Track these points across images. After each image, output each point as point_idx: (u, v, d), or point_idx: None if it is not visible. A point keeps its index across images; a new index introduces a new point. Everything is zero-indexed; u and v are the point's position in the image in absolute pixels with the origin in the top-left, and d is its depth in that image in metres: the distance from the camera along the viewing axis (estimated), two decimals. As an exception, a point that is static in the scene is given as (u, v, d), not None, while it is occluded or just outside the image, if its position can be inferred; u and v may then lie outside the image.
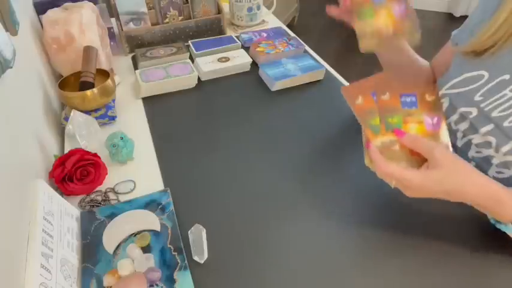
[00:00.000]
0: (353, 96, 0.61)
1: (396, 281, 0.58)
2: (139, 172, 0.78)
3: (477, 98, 0.64)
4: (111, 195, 0.73)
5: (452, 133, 0.69)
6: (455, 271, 0.58)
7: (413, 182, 0.53)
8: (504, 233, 0.58)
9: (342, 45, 2.99)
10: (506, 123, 0.60)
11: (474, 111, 0.65)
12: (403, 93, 0.60)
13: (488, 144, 0.64)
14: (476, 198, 0.54)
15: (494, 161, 0.64)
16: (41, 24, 1.00)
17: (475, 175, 0.54)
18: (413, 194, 0.55)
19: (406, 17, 0.63)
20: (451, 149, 0.57)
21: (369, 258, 0.61)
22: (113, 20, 1.22)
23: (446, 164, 0.52)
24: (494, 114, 0.62)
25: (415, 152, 0.56)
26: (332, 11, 0.70)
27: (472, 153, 0.68)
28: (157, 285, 0.57)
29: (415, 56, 0.82)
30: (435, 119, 0.58)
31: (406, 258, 0.61)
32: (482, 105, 0.64)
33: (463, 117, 0.68)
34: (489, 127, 0.63)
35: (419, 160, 0.56)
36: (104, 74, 0.93)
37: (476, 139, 0.66)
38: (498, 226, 0.59)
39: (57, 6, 0.96)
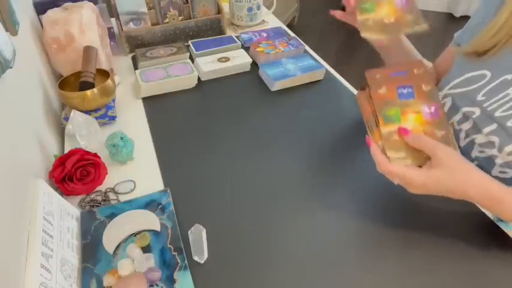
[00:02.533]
0: (377, 84, 0.60)
1: (398, 277, 0.58)
2: (139, 172, 0.78)
3: (480, 97, 0.64)
4: (111, 195, 0.73)
5: (455, 133, 0.69)
6: (456, 268, 0.58)
7: (416, 181, 0.54)
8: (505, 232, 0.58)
9: (342, 45, 2.98)
10: (509, 123, 0.60)
11: (477, 111, 0.65)
12: (400, 86, 0.59)
13: (491, 144, 0.64)
14: (477, 197, 0.55)
15: (498, 161, 0.64)
16: (41, 24, 1.00)
17: (476, 175, 0.54)
18: (416, 191, 0.56)
19: (408, 9, 0.65)
20: (452, 140, 0.57)
21: (371, 256, 0.61)
22: (113, 20, 1.22)
23: (449, 164, 0.53)
24: (497, 114, 0.62)
25: (416, 149, 0.56)
26: (336, 14, 0.71)
27: (475, 153, 0.68)
28: (157, 285, 0.57)
29: (418, 57, 0.82)
30: (433, 108, 0.58)
31: (408, 254, 0.61)
32: (485, 105, 0.64)
33: (466, 117, 0.68)
34: (492, 127, 0.63)
35: (421, 157, 0.56)
36: (104, 74, 0.93)
37: (479, 139, 0.66)
38: (499, 223, 0.59)
39: (57, 6, 0.96)
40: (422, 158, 0.56)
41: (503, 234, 0.62)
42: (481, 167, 0.58)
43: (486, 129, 0.64)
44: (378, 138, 0.58)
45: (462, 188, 0.54)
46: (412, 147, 0.56)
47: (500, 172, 0.65)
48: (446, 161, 0.53)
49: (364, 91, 0.63)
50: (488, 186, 0.54)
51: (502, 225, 0.59)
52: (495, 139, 0.63)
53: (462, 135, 0.69)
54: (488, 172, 0.63)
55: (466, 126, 0.68)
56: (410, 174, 0.54)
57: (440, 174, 0.53)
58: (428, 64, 0.85)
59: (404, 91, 0.59)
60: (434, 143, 0.54)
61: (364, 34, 0.65)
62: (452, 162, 0.53)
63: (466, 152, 0.69)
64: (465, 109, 0.67)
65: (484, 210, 0.66)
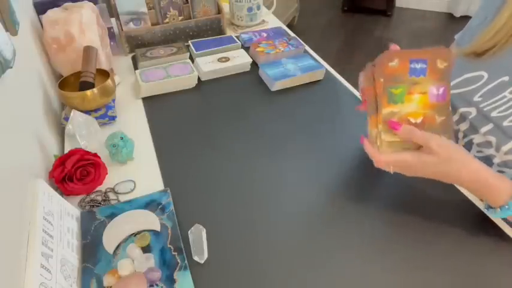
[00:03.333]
0: (390, 56, 0.54)
1: (396, 274, 0.58)
2: (139, 172, 0.78)
3: (476, 98, 0.65)
4: (111, 195, 0.73)
5: (454, 133, 0.69)
6: (455, 265, 0.58)
7: (409, 162, 0.55)
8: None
9: (342, 45, 2.99)
10: (505, 123, 0.60)
11: (473, 112, 0.65)
12: (413, 59, 0.54)
13: (488, 144, 0.64)
14: (468, 183, 0.56)
15: (496, 160, 0.64)
16: (41, 24, 1.00)
17: (470, 161, 0.55)
18: (412, 173, 0.57)
19: (442, 105, 0.55)
20: (451, 126, 0.56)
21: (371, 254, 0.61)
22: (113, 20, 1.22)
23: (440, 154, 0.53)
24: (494, 114, 0.62)
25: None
26: (361, 108, 0.63)
27: (473, 152, 0.68)
28: (157, 285, 0.57)
29: None
30: (441, 89, 0.55)
31: (406, 251, 0.61)
32: (481, 105, 0.64)
33: (463, 117, 0.68)
34: (489, 127, 0.63)
35: (414, 145, 0.56)
36: (104, 74, 0.93)
37: (477, 139, 0.66)
38: (488, 213, 0.60)
39: (57, 6, 0.96)
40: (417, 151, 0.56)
41: (499, 229, 0.63)
42: None
43: (483, 129, 0.64)
44: (374, 125, 0.58)
45: (454, 174, 0.55)
46: (406, 143, 0.56)
47: (498, 171, 0.65)
48: (438, 151, 0.53)
49: (369, 71, 0.59)
50: (482, 171, 0.55)
51: (489, 214, 0.59)
52: (492, 139, 0.63)
53: (460, 135, 0.70)
54: None
55: (463, 126, 0.68)
56: (402, 157, 0.55)
57: (433, 160, 0.54)
58: None
59: (417, 66, 0.55)
60: (427, 135, 0.54)
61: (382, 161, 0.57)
62: (444, 152, 0.53)
63: None
64: (462, 109, 0.67)
65: (477, 202, 0.67)
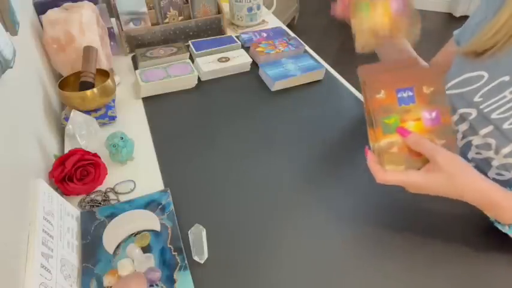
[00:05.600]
0: (376, 88, 0.55)
1: (397, 280, 0.58)
2: (139, 172, 0.78)
3: (477, 99, 0.64)
4: (111, 195, 0.73)
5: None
6: (457, 270, 0.58)
7: (414, 184, 0.54)
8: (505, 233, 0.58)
9: (342, 45, 2.98)
10: (506, 125, 0.60)
11: (474, 113, 0.65)
12: (399, 88, 0.55)
13: (488, 146, 0.64)
14: (475, 201, 0.54)
15: (494, 163, 0.64)
16: (41, 24, 1.00)
17: (474, 181, 0.53)
18: (415, 191, 0.55)
19: (404, 13, 0.62)
20: (455, 148, 0.55)
21: (370, 257, 0.61)
22: (113, 20, 1.22)
23: (447, 170, 0.52)
24: (494, 116, 0.62)
25: (414, 152, 0.55)
26: (336, 10, 0.69)
27: (472, 154, 0.68)
28: (157, 285, 0.57)
29: (416, 57, 0.82)
30: (433, 114, 0.55)
31: (408, 256, 0.61)
32: (481, 106, 0.63)
33: (462, 118, 0.67)
34: (489, 129, 0.63)
35: (419, 161, 0.55)
36: (104, 74, 0.93)
37: (476, 140, 0.66)
38: (497, 225, 0.59)
39: (57, 6, 0.96)
40: (423, 170, 0.55)
41: (504, 234, 0.62)
42: (477, 168, 0.58)
43: (482, 131, 0.64)
44: (374, 138, 0.57)
45: (461, 193, 0.53)
46: (412, 159, 0.55)
47: (496, 174, 0.65)
48: (444, 167, 0.52)
49: (373, 76, 0.58)
50: (487, 191, 0.53)
51: (499, 227, 0.59)
52: (491, 141, 0.63)
53: (459, 136, 0.69)
54: (485, 174, 0.63)
55: (463, 127, 0.68)
56: (408, 179, 0.54)
57: (438, 178, 0.52)
58: (425, 65, 0.85)
59: (405, 95, 0.56)
60: (434, 146, 0.53)
61: (360, 47, 0.63)
62: (451, 168, 0.52)
63: (462, 153, 0.69)
64: (462, 110, 0.67)
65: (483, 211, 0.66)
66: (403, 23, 0.62)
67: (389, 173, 0.55)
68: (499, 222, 0.58)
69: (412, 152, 0.55)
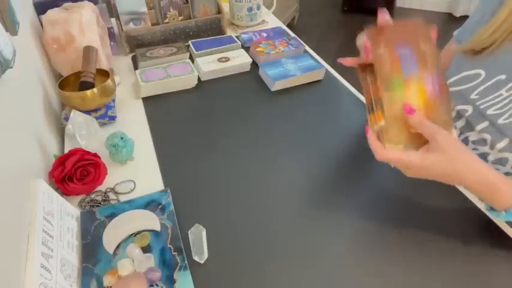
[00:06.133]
0: (377, 41, 0.53)
1: (397, 279, 0.58)
2: (139, 172, 0.78)
3: (473, 96, 0.65)
4: (111, 195, 0.73)
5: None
6: (457, 269, 0.58)
7: (412, 163, 0.53)
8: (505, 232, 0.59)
9: (342, 45, 2.98)
10: (500, 121, 0.61)
11: (470, 109, 0.66)
12: (399, 45, 0.53)
13: (483, 141, 0.64)
14: (473, 184, 0.54)
15: (490, 158, 0.65)
16: (41, 24, 1.00)
17: (474, 162, 0.54)
18: (413, 174, 0.55)
19: (440, 95, 0.55)
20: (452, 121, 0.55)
21: (371, 257, 0.61)
22: (113, 20, 1.22)
23: (447, 151, 0.52)
24: (490, 112, 0.62)
25: (415, 133, 0.54)
26: (347, 62, 0.60)
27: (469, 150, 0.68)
28: (157, 285, 0.57)
29: None
30: (436, 85, 0.54)
31: (407, 256, 0.61)
32: (477, 103, 0.64)
33: (459, 115, 0.68)
34: (484, 124, 0.63)
35: (419, 141, 0.54)
36: (104, 74, 0.93)
37: (472, 136, 0.67)
38: (491, 213, 0.58)
39: (57, 6, 0.96)
40: (421, 146, 0.54)
41: (504, 233, 0.62)
42: None
43: (478, 127, 0.64)
44: (374, 123, 0.56)
45: (459, 174, 0.53)
46: (411, 139, 0.55)
47: None
48: (444, 147, 0.52)
49: (363, 70, 0.58)
50: (485, 173, 0.53)
51: (492, 215, 0.58)
52: (487, 136, 0.63)
53: (456, 132, 0.70)
54: None
55: (459, 124, 0.69)
56: (407, 157, 0.53)
57: (437, 158, 0.52)
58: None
59: (408, 65, 0.54)
60: (435, 128, 0.53)
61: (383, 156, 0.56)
62: (451, 149, 0.52)
63: None
64: (459, 107, 0.68)
65: (477, 203, 0.66)
66: (438, 109, 0.55)
67: (389, 150, 0.54)
68: (494, 210, 0.57)
69: (412, 133, 0.54)
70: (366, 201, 0.70)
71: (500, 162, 0.63)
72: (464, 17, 3.25)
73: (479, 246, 0.61)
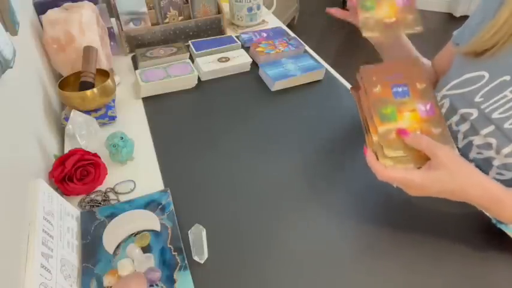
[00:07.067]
0: (373, 82, 0.60)
1: (398, 278, 0.58)
2: (139, 172, 0.78)
3: (477, 99, 0.64)
4: (111, 195, 0.73)
5: (453, 135, 0.68)
6: (457, 269, 0.58)
7: (415, 183, 0.53)
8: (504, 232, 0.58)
9: (342, 45, 2.98)
10: (506, 125, 0.60)
11: (475, 113, 0.65)
12: (394, 84, 0.59)
13: (489, 146, 0.64)
14: (477, 199, 0.54)
15: (495, 163, 0.64)
16: (41, 24, 1.00)
17: (476, 177, 0.54)
18: (416, 193, 0.55)
19: (409, 9, 0.67)
20: (449, 138, 0.56)
21: (370, 257, 0.61)
22: (113, 20, 1.22)
23: (449, 166, 0.52)
24: (495, 115, 0.62)
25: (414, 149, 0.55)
26: (337, 13, 0.71)
27: (473, 154, 0.68)
28: (157, 285, 0.57)
29: (417, 55, 0.82)
30: (428, 106, 0.57)
31: (408, 255, 0.61)
32: (482, 106, 0.63)
33: (463, 118, 0.67)
34: (490, 128, 0.63)
35: (419, 156, 0.55)
36: (104, 74, 0.93)
37: (477, 140, 0.66)
38: (499, 226, 0.59)
39: (57, 6, 0.96)
40: (421, 158, 0.55)
41: (503, 234, 0.62)
42: (478, 168, 0.57)
43: (484, 131, 0.64)
44: (371, 142, 0.58)
45: (462, 189, 0.53)
46: (412, 154, 0.55)
47: (497, 174, 0.65)
48: (446, 163, 0.51)
49: (357, 91, 0.62)
50: (488, 188, 0.53)
51: (502, 227, 0.58)
52: (493, 141, 0.63)
53: (460, 136, 0.69)
54: (486, 174, 0.63)
55: (464, 127, 0.68)
56: (410, 175, 0.53)
57: (440, 175, 0.52)
58: (427, 63, 0.85)
59: (399, 89, 0.59)
60: (434, 143, 0.53)
61: (366, 34, 0.66)
62: (453, 164, 0.52)
63: (464, 153, 0.69)
64: (463, 110, 0.67)
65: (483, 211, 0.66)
66: (408, 17, 0.66)
67: (390, 170, 0.54)
68: (501, 223, 0.57)
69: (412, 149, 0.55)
70: (367, 201, 0.70)
71: (505, 167, 0.63)
72: (464, 17, 3.24)
73: (479, 247, 0.61)
